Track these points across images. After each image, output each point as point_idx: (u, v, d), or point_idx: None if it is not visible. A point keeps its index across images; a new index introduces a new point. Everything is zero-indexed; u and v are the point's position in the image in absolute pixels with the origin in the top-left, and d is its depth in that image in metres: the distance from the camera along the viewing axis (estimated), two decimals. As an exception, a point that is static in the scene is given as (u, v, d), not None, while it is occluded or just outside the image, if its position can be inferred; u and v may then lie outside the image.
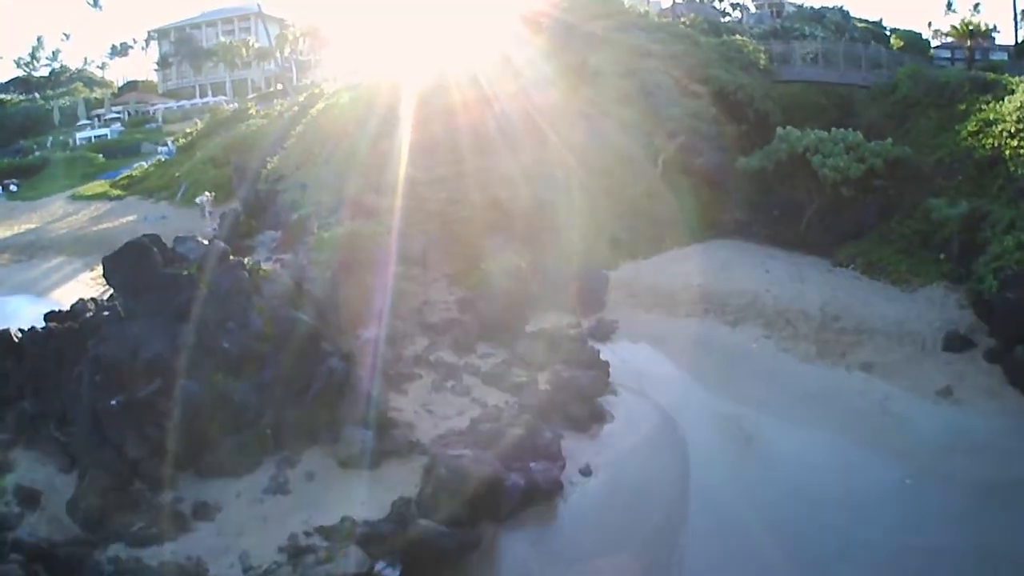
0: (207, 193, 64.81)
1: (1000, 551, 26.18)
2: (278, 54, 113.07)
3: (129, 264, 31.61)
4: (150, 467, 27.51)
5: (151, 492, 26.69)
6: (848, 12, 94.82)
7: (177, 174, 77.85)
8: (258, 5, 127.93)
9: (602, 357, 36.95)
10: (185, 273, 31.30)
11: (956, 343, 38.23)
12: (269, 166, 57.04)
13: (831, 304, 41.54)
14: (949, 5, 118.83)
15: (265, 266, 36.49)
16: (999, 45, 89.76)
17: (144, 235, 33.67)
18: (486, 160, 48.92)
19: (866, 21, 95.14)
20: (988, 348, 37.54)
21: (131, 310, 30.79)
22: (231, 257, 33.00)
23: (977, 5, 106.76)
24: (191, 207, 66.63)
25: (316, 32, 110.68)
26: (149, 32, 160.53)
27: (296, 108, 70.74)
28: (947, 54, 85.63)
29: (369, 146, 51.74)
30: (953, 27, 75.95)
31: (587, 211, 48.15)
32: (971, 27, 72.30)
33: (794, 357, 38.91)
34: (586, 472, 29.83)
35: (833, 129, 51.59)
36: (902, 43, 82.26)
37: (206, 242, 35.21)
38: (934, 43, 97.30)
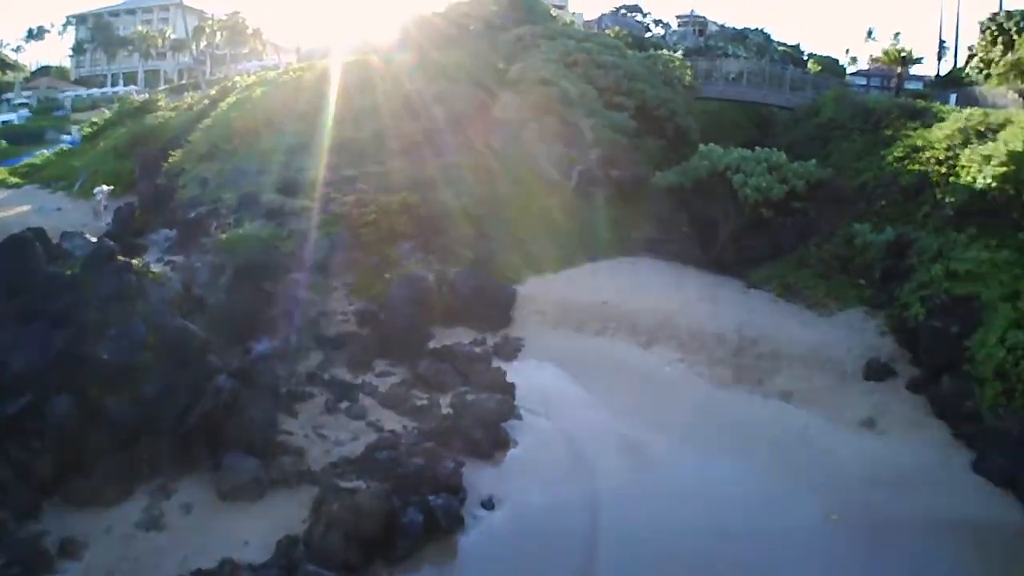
0: (104, 186, 61.12)
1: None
2: (194, 46, 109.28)
3: (6, 261, 28.27)
4: (15, 494, 24.15)
5: (16, 523, 23.32)
6: (769, 34, 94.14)
7: (77, 164, 73.76)
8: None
9: (508, 378, 34.32)
10: (68, 273, 28.26)
11: (877, 372, 36.53)
12: (171, 159, 53.65)
13: (747, 327, 39.44)
14: (870, 33, 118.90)
15: (156, 268, 33.73)
16: (913, 75, 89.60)
17: (28, 229, 30.57)
18: (398, 162, 46.40)
19: (785, 44, 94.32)
20: (911, 377, 36.04)
21: (2, 313, 27.29)
22: (119, 257, 29.62)
23: (898, 34, 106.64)
24: (90, 199, 62.82)
25: (234, 26, 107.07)
26: (68, 17, 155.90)
27: (207, 101, 67.34)
28: (863, 81, 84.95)
29: (279, 143, 48.91)
30: (884, 52, 74.72)
31: (498, 221, 45.60)
32: (903, 53, 70.99)
33: (709, 382, 36.71)
34: (489, 505, 27.26)
35: (757, 148, 49.59)
36: (819, 67, 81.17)
37: (94, 239, 31.55)
38: (850, 69, 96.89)
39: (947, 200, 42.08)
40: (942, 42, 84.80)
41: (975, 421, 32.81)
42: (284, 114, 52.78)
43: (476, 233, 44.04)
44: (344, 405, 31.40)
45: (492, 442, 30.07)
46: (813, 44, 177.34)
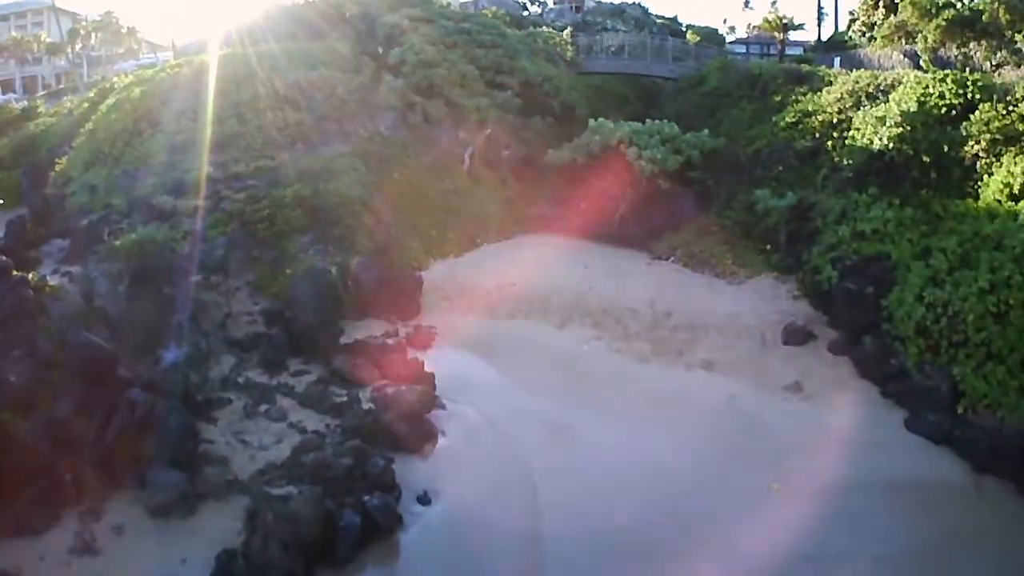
0: (-10, 200, 57.86)
1: (887, 554, 24.56)
2: (69, 49, 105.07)
3: None
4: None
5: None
6: (646, 8, 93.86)
7: (-37, 179, 69.59)
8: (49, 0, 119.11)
9: (421, 360, 33.00)
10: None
11: (797, 336, 36.28)
12: (57, 167, 50.84)
13: (659, 300, 38.79)
14: (747, 3, 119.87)
15: (52, 280, 31.51)
16: (792, 41, 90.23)
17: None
18: (285, 154, 44.42)
19: (663, 17, 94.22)
20: (831, 340, 35.89)
21: None
22: (14, 272, 27.27)
23: (775, 2, 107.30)
24: (-19, 216, 59.47)
25: (109, 26, 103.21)
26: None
27: (87, 104, 64.15)
28: (742, 49, 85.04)
29: (163, 142, 46.59)
30: (766, 20, 74.83)
31: (394, 208, 44.08)
32: (784, 21, 71.01)
33: (629, 358, 35.77)
34: (425, 500, 25.96)
35: (648, 121, 49.01)
36: (698, 38, 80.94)
37: None
38: (729, 39, 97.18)
39: (845, 162, 42.04)
40: (820, 8, 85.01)
41: (902, 379, 32.78)
42: (164, 112, 50.35)
43: (373, 221, 42.32)
44: (263, 408, 29.59)
45: (419, 435, 28.62)
46: (689, 16, 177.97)
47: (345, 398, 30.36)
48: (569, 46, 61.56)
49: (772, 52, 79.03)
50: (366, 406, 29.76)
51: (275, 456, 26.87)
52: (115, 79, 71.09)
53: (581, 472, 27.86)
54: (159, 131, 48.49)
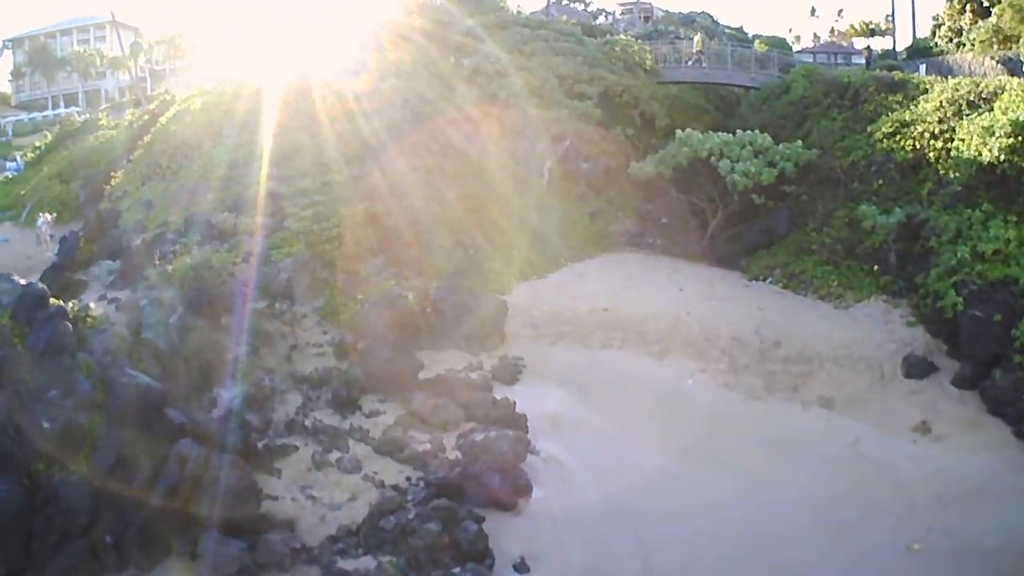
0: (45, 214, 55.91)
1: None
2: (132, 63, 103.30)
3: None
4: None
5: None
6: (714, 17, 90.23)
7: (23, 191, 67.97)
8: (111, 13, 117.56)
9: (512, 400, 29.51)
10: (-4, 325, 22.61)
11: (918, 368, 32.62)
12: (113, 181, 48.04)
13: (765, 327, 34.98)
14: (813, 11, 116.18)
15: (98, 307, 27.88)
16: (856, 50, 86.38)
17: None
18: (356, 169, 41.07)
19: (729, 27, 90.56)
20: (956, 373, 32.16)
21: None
22: (51, 301, 24.01)
23: (840, 11, 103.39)
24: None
25: (172, 40, 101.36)
26: (3, 41, 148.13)
27: (147, 116, 61.65)
28: (809, 58, 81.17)
29: (224, 156, 43.60)
30: (851, 27, 71.00)
31: (473, 226, 40.64)
32: (872, 26, 67.07)
33: (738, 394, 32.09)
34: (522, 568, 22.65)
35: (739, 132, 45.39)
36: (766, 47, 77.11)
37: (23, 282, 25.57)
38: (795, 48, 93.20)
39: (952, 175, 38.19)
40: (893, 14, 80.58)
41: (1037, 418, 29.03)
42: (226, 125, 47.45)
43: (452, 241, 39.04)
44: (334, 456, 26.08)
45: (512, 488, 25.23)
46: (754, 26, 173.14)
47: (428, 445, 26.78)
48: (648, 54, 57.82)
49: (840, 61, 75.45)
50: (452, 455, 26.33)
51: (349, 517, 23.53)
52: (176, 92, 68.64)
53: (699, 534, 24.47)
54: (220, 144, 45.66)
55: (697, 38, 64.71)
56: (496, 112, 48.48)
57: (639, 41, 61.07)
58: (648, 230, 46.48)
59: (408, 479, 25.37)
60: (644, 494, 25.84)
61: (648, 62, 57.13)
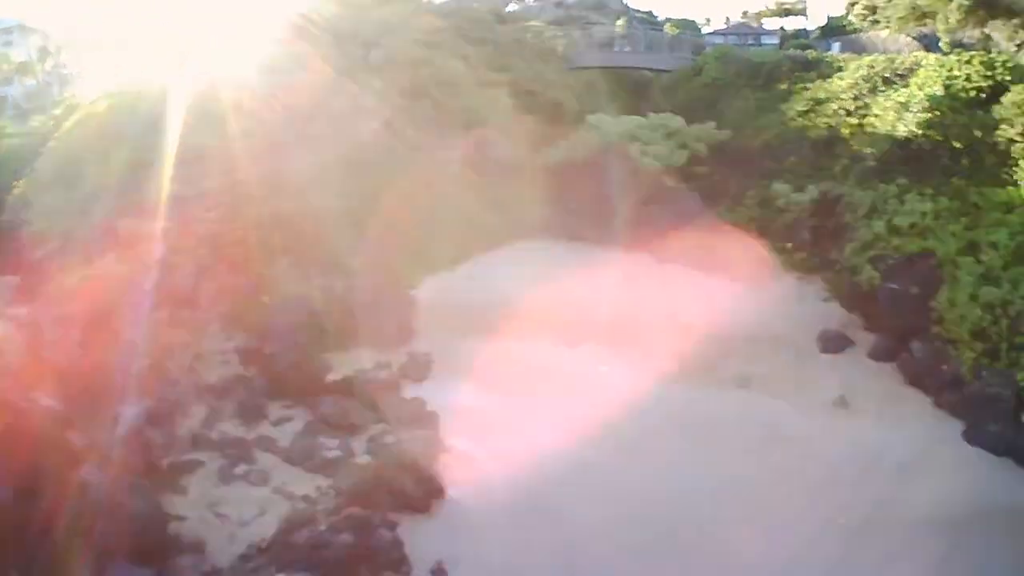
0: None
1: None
2: (39, 68, 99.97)
3: None
4: None
5: None
6: (625, 2, 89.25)
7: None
8: (19, 17, 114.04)
9: (421, 399, 28.56)
10: None
11: (834, 343, 32.30)
12: (15, 191, 45.78)
13: (679, 310, 34.09)
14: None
15: (-4, 328, 26.03)
16: (767, 31, 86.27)
17: None
18: (262, 167, 39.33)
19: (639, 11, 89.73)
20: (873, 346, 31.83)
21: None
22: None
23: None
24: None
25: (80, 43, 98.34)
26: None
27: (52, 122, 59.14)
28: (720, 40, 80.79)
29: (127, 160, 41.56)
30: (766, 7, 70.41)
31: (381, 220, 39.13)
32: (785, 7, 66.60)
33: (654, 378, 30.82)
34: (439, 574, 21.32)
35: (651, 115, 44.35)
36: (676, 31, 76.58)
37: None
38: (706, 31, 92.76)
39: (867, 151, 38.06)
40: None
41: (957, 387, 28.72)
42: (129, 127, 45.41)
43: (359, 237, 37.44)
44: (241, 469, 24.83)
45: (426, 490, 24.09)
46: (665, 9, 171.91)
47: (337, 451, 25.62)
48: (560, 40, 56.75)
49: (751, 43, 75.26)
50: (362, 459, 25.07)
51: (259, 533, 22.20)
52: (82, 96, 66.29)
53: (614, 519, 23.49)
54: (123, 147, 43.64)
55: (620, 22, 63.96)
56: (405, 103, 47.12)
57: (551, 27, 59.99)
58: (559, 217, 45.15)
59: (318, 488, 24.16)
60: (563, 486, 24.82)
61: (559, 48, 56.08)
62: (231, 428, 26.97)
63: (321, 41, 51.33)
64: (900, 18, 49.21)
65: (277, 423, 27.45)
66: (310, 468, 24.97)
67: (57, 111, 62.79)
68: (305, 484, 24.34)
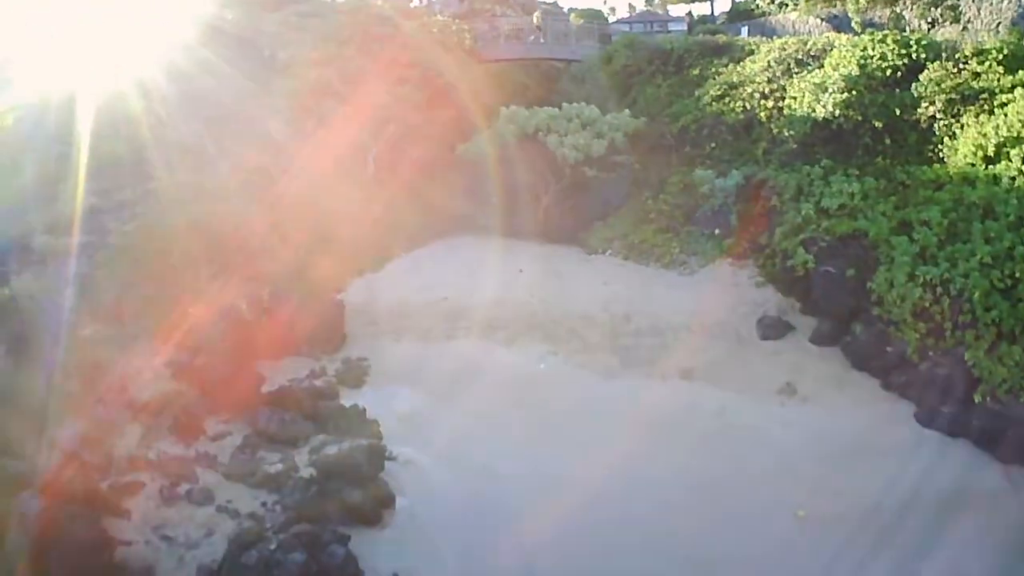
0: None
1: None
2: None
3: None
4: None
5: None
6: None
7: None
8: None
9: (361, 407, 27.12)
10: None
11: (774, 329, 31.78)
12: (-75, 212, 43.19)
13: (612, 301, 33.49)
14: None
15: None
16: (674, 17, 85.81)
17: None
18: (178, 175, 37.60)
19: (544, 2, 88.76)
20: (814, 330, 31.34)
21: None
22: None
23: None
24: None
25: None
26: None
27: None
28: (627, 28, 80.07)
29: (38, 173, 39.40)
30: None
31: (301, 224, 37.71)
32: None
33: (595, 374, 30.25)
34: (395, 586, 20.09)
35: (564, 105, 43.52)
36: (581, 20, 75.84)
37: None
38: (611, 19, 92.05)
39: (786, 133, 37.73)
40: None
41: (904, 369, 28.40)
42: (38, 139, 43.18)
43: (281, 242, 35.94)
44: (183, 489, 23.11)
45: (375, 501, 22.89)
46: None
47: (280, 465, 24.01)
48: (466, 34, 55.58)
49: (657, 29, 74.72)
50: (306, 472, 23.63)
51: (209, 555, 20.73)
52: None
53: (568, 519, 22.46)
54: (34, 160, 41.52)
55: (536, 14, 62.94)
56: (314, 103, 45.65)
57: (456, 21, 58.76)
58: (480, 211, 44.16)
59: (264, 504, 22.72)
60: (513, 489, 23.93)
61: (467, 41, 54.94)
62: (169, 446, 25.16)
63: (226, 45, 49.69)
64: (809, 0, 49.10)
65: (216, 438, 25.80)
66: (253, 484, 23.50)
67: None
68: (250, 501, 22.90)
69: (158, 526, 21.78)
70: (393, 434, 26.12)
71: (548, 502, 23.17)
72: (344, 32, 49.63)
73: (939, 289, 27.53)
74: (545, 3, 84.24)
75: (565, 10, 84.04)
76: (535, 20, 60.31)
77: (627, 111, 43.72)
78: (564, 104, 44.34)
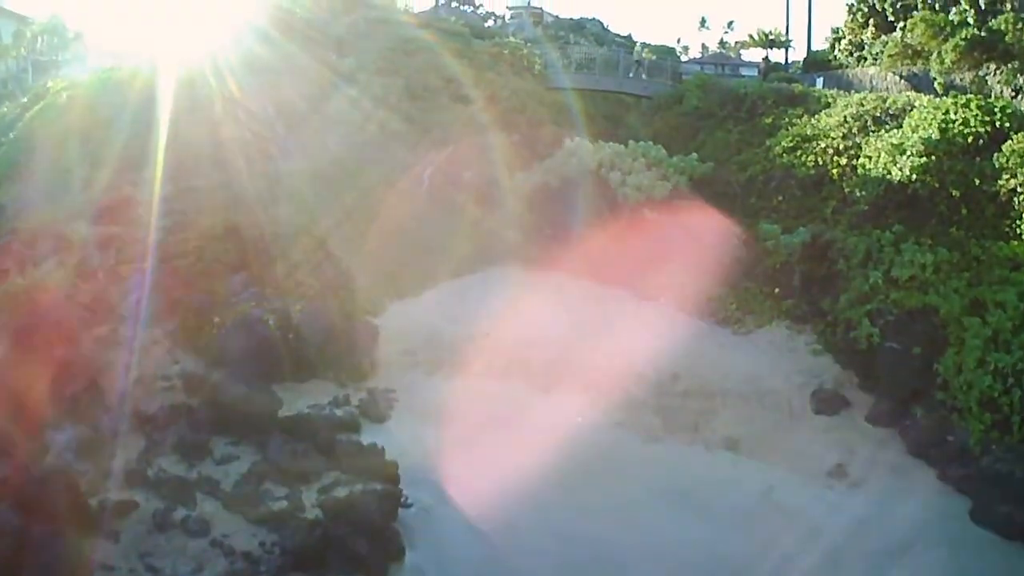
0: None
1: None
2: (14, 53, 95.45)
3: None
4: None
5: None
6: (604, 24, 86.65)
7: None
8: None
9: (380, 446, 24.75)
10: None
11: (829, 404, 29.34)
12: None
13: (661, 356, 31.07)
14: (703, 22, 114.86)
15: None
16: (745, 62, 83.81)
17: None
18: (221, 175, 35.97)
19: (618, 35, 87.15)
20: (871, 409, 28.88)
21: None
22: None
23: (731, 23, 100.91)
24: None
25: (55, 29, 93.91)
26: None
27: (18, 111, 55.27)
28: (697, 68, 78.33)
29: (85, 156, 38.11)
30: (750, 36, 67.64)
31: (345, 239, 36.02)
32: (771, 36, 63.74)
33: (635, 434, 27.99)
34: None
35: (631, 142, 41.53)
36: (653, 57, 74.05)
37: None
38: (683, 58, 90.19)
39: (858, 194, 35.33)
40: (787, 26, 77.35)
41: (964, 461, 25.80)
42: (91, 121, 41.84)
43: (321, 255, 34.04)
44: (179, 515, 21.13)
45: (382, 553, 20.80)
46: (643, 34, 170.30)
47: (285, 502, 21.93)
48: (537, 59, 53.74)
49: (727, 72, 72.81)
50: (311, 513, 21.62)
51: (195, 593, 18.71)
52: (50, 84, 62.51)
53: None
54: (85, 142, 40.15)
55: (637, 48, 61.32)
56: (375, 114, 44.01)
57: (528, 45, 57.04)
58: (532, 243, 42.11)
59: (262, 545, 20.62)
60: (535, 557, 21.71)
61: (537, 67, 53.12)
62: (170, 465, 23.30)
63: (294, 42, 48.33)
64: (891, 56, 46.77)
65: (221, 462, 23.79)
66: (254, 519, 21.44)
67: (25, 100, 59.03)
68: (248, 538, 20.85)
69: (146, 553, 19.88)
70: (412, 478, 23.90)
71: (570, 571, 21.23)
72: (412, 44, 47.92)
73: (1011, 379, 25.10)
74: (619, 37, 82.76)
75: (638, 45, 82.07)
76: (636, 55, 58.44)
77: (694, 155, 41.61)
78: (631, 141, 42.29)
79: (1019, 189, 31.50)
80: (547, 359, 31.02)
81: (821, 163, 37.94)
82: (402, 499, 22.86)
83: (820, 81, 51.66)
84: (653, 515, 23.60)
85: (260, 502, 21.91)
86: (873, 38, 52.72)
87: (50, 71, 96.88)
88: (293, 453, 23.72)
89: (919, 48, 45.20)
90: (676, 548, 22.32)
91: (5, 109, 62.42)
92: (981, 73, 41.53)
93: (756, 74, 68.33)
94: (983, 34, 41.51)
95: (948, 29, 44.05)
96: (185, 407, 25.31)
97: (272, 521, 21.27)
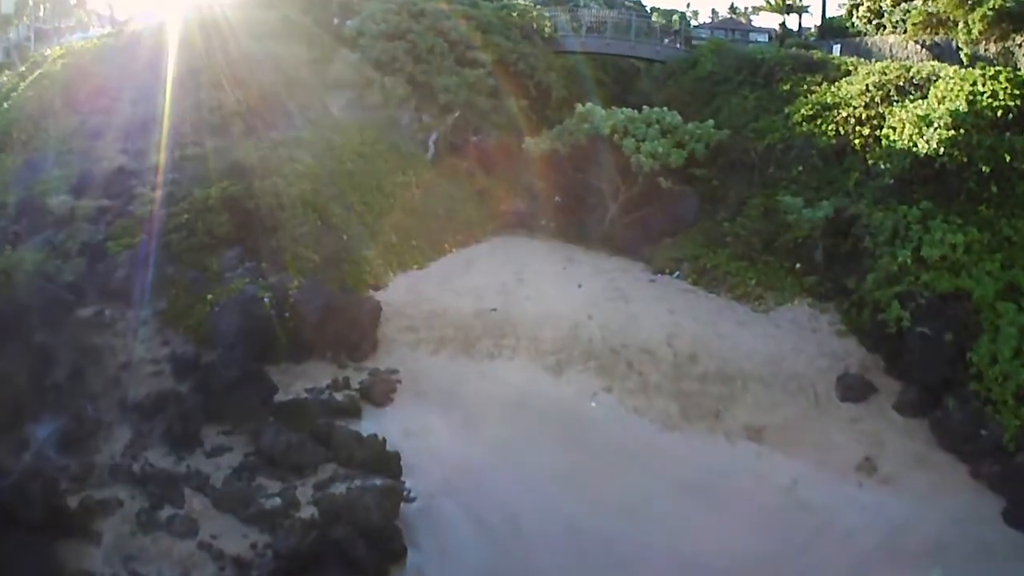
0: None
1: None
2: (16, 22, 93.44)
3: None
4: None
5: None
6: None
7: None
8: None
9: (384, 433, 23.22)
10: None
11: (855, 390, 27.21)
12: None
13: (678, 335, 29.18)
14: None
15: None
16: (756, 27, 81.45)
17: None
18: (217, 141, 34.13)
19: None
20: (900, 397, 26.74)
21: None
22: None
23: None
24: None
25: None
26: None
27: (16, 80, 53.34)
28: (706, 34, 75.93)
29: (76, 125, 36.35)
30: (766, 2, 64.89)
31: (346, 208, 34.11)
32: (788, 3, 61.30)
33: (651, 421, 25.98)
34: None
35: (645, 108, 39.46)
36: (662, 21, 71.79)
37: None
38: (693, 23, 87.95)
39: (883, 167, 33.05)
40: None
41: (998, 458, 23.91)
42: (83, 89, 39.99)
43: (321, 227, 32.11)
44: (165, 514, 19.59)
45: (381, 555, 19.14)
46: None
47: (278, 500, 20.33)
48: (547, 22, 51.45)
49: (738, 38, 70.55)
50: (306, 511, 19.97)
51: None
52: (48, 52, 60.35)
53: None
54: (76, 112, 38.30)
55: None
56: (379, 78, 41.95)
57: (537, 7, 54.75)
58: (542, 211, 40.68)
59: (253, 547, 19.11)
60: (547, 554, 20.22)
61: (547, 29, 50.86)
62: (158, 458, 21.73)
63: (297, 5, 46.43)
64: (914, 24, 44.45)
65: (212, 454, 22.25)
66: (246, 518, 19.88)
67: (23, 68, 57.03)
68: (239, 540, 19.31)
69: (129, 557, 18.39)
70: (415, 468, 22.47)
71: (581, 570, 19.61)
72: (417, 6, 45.70)
73: (1049, 372, 23.38)
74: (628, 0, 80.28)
75: (647, 9, 79.67)
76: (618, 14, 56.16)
77: (710, 121, 39.58)
78: (644, 107, 40.25)
79: (1053, 167, 29.60)
80: (557, 337, 29.09)
81: (843, 133, 35.92)
82: (404, 493, 21.20)
83: (837, 48, 49.41)
84: (669, 508, 21.99)
85: (252, 499, 20.34)
86: (893, 5, 50.26)
87: (52, 39, 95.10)
88: (288, 444, 22.04)
89: (944, 17, 42.87)
90: (692, 544, 20.71)
91: (5, 78, 60.32)
92: (1008, 45, 39.30)
93: (767, 40, 66.09)
94: (1011, 4, 39.22)
95: (973, -2, 41.73)
96: (174, 394, 23.64)
97: (265, 521, 19.69)
